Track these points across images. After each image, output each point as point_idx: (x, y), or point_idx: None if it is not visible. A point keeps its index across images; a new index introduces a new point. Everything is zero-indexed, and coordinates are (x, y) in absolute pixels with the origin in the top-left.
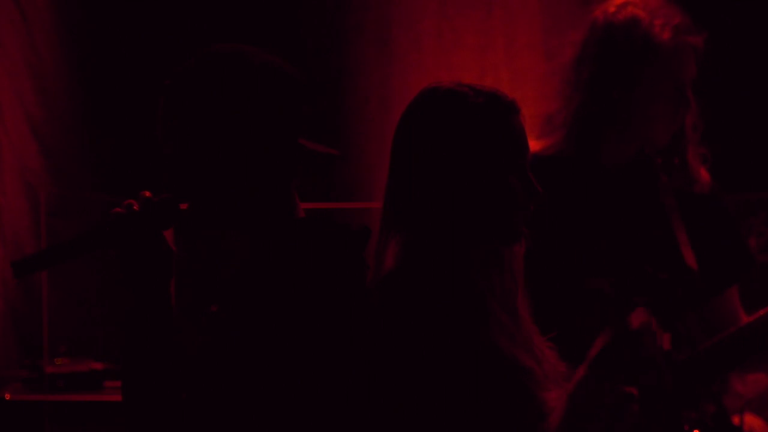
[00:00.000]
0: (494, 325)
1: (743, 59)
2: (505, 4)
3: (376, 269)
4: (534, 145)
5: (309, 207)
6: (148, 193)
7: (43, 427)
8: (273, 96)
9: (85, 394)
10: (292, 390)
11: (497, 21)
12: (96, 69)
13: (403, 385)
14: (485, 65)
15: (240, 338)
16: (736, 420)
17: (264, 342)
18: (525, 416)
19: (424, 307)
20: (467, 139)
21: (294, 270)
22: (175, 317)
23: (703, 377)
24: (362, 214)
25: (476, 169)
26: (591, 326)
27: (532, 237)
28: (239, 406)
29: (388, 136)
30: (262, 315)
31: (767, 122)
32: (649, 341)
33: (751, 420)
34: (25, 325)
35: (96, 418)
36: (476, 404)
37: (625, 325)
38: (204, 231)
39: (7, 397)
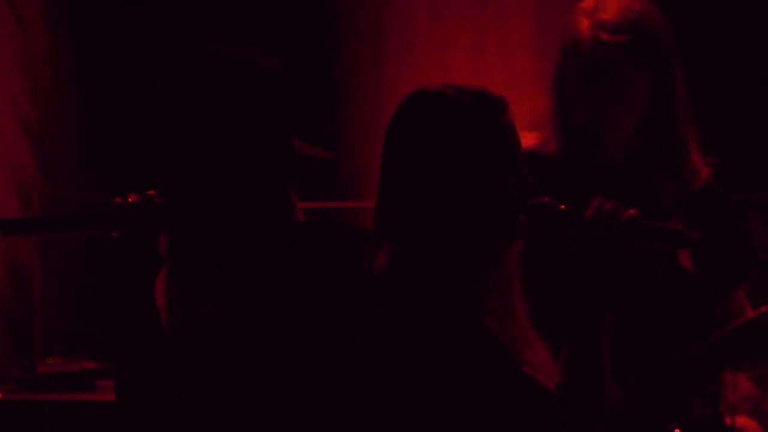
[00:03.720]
0: (492, 321)
1: (740, 58)
2: (499, 4)
3: (369, 269)
4: (525, 140)
5: (306, 206)
6: (152, 192)
7: (39, 426)
8: (272, 96)
9: (77, 394)
10: (291, 390)
11: (491, 21)
12: (90, 69)
13: (403, 384)
14: (479, 65)
15: (240, 338)
16: (728, 421)
17: (264, 342)
18: (531, 407)
19: (420, 305)
20: (456, 139)
21: (293, 270)
22: (176, 317)
23: (699, 377)
24: (356, 213)
25: (469, 168)
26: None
27: (528, 236)
28: (239, 406)
29: (382, 135)
30: (262, 315)
31: (763, 121)
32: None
33: (744, 422)
34: (19, 324)
35: (93, 417)
36: (479, 399)
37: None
38: (204, 231)
39: (0, 396)
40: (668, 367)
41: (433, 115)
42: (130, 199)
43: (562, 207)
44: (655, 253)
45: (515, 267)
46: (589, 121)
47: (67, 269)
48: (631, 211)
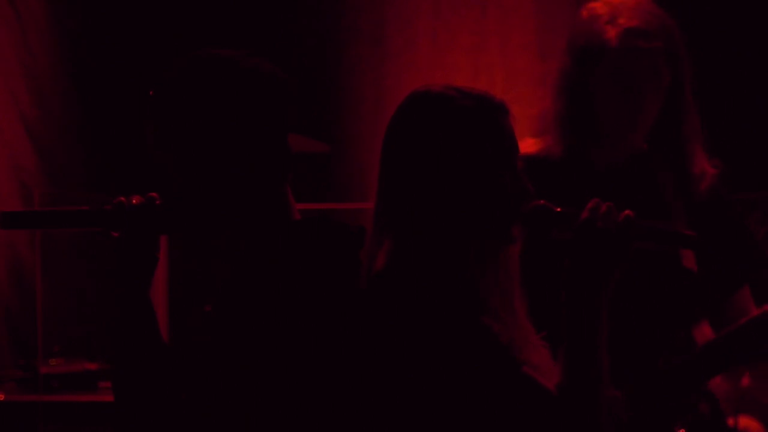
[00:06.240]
0: (493, 321)
1: (740, 58)
2: (500, 4)
3: (368, 269)
4: (527, 146)
5: (304, 207)
6: (155, 194)
7: (40, 427)
8: (262, 95)
9: (79, 395)
10: (291, 390)
11: (492, 21)
12: (91, 68)
13: (403, 384)
14: (479, 65)
15: (239, 338)
16: (730, 422)
17: (263, 342)
18: (531, 407)
19: (420, 305)
20: (456, 140)
21: (292, 270)
22: (176, 317)
23: (700, 378)
24: (356, 214)
25: (466, 169)
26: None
27: (526, 239)
28: (238, 406)
29: (382, 135)
30: (261, 315)
31: (761, 122)
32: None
33: (746, 422)
34: (20, 325)
35: (91, 418)
36: (479, 398)
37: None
38: (203, 231)
39: (1, 397)
40: (669, 367)
41: (434, 116)
42: (133, 201)
43: (558, 210)
44: (655, 253)
45: (515, 267)
46: (616, 125)
47: (68, 270)
48: (627, 212)
